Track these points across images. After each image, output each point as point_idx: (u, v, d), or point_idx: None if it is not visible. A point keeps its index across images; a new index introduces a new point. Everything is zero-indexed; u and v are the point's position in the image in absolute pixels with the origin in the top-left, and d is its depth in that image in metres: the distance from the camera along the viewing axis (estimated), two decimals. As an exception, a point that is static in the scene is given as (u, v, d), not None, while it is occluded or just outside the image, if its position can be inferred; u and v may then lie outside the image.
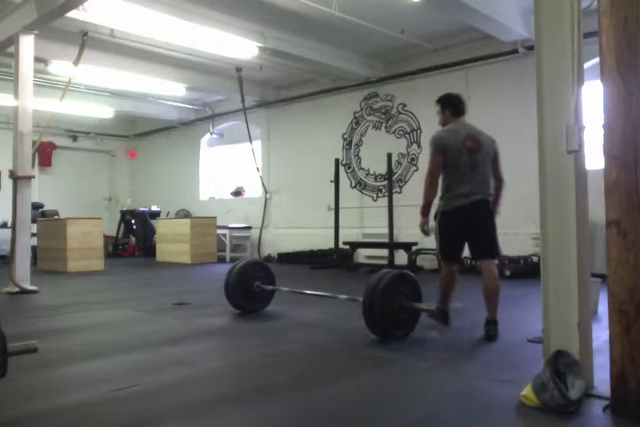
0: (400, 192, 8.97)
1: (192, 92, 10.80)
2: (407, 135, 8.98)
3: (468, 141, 3.81)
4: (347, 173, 9.77)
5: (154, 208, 12.28)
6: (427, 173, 3.85)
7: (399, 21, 7.39)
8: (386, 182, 8.84)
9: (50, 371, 2.83)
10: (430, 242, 8.54)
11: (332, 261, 8.95)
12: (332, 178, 9.14)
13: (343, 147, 9.93)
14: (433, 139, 3.88)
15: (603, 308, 3.12)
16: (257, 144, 11.00)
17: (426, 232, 4.03)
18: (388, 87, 9.25)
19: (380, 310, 3.34)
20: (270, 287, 4.54)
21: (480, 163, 3.84)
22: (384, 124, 9.34)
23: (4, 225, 10.15)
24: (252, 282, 4.46)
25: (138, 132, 14.17)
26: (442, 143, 3.79)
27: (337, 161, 9.25)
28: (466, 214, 3.82)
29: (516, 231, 7.55)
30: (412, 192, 8.86)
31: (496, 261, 3.87)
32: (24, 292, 5.79)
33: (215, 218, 10.57)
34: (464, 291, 5.44)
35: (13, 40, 6.20)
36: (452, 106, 4.08)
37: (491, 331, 3.52)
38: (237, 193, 11.89)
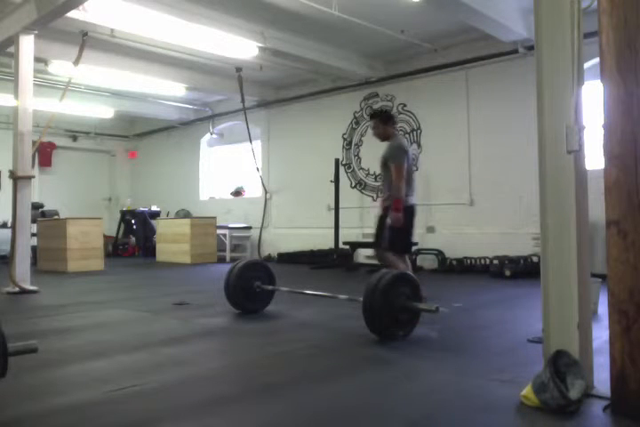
0: (400, 192, 8.96)
1: (192, 92, 10.80)
2: (407, 135, 8.98)
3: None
4: (347, 173, 9.77)
5: (154, 208, 12.27)
6: (399, 176, 4.41)
7: (399, 21, 7.39)
8: (386, 182, 8.83)
9: (50, 371, 2.83)
10: (430, 242, 8.58)
11: (332, 261, 8.95)
12: (332, 178, 9.13)
13: (343, 147, 9.93)
14: (402, 148, 4.46)
15: (603, 308, 3.12)
16: (257, 144, 11.00)
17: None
18: (388, 87, 9.25)
19: (381, 310, 3.33)
20: (270, 287, 4.54)
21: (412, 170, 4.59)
22: (384, 124, 9.34)
23: (4, 225, 10.15)
24: (252, 282, 4.46)
25: (138, 132, 14.17)
26: (408, 152, 4.45)
27: (337, 161, 9.24)
28: (412, 212, 4.48)
29: (516, 231, 7.55)
30: (412, 192, 8.88)
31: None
32: (24, 292, 5.79)
33: (215, 218, 10.57)
34: (464, 291, 5.44)
35: (13, 40, 6.20)
36: (391, 120, 4.55)
37: None
38: (237, 193, 11.88)
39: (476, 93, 8.18)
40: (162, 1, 6.42)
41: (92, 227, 8.75)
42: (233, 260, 10.58)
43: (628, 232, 2.07)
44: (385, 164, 4.53)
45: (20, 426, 2.09)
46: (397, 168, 4.37)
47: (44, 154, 12.69)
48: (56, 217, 9.84)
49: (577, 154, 2.32)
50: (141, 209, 12.07)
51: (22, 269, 5.94)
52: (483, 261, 7.66)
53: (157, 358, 3.10)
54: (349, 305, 4.18)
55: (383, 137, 4.55)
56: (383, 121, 4.48)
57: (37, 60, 7.10)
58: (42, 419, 2.14)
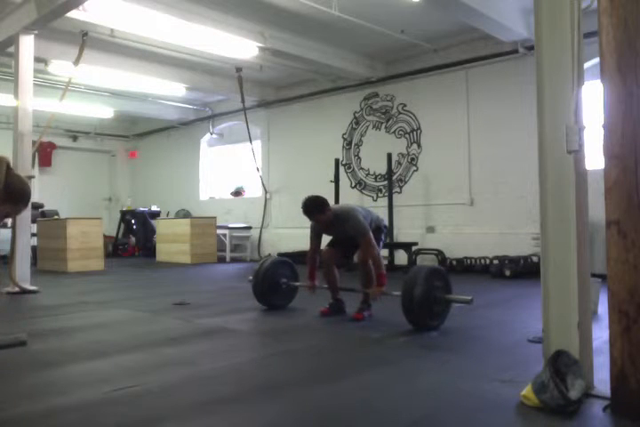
0: (400, 192, 8.98)
1: (192, 92, 10.79)
2: (407, 135, 8.98)
3: None
4: (347, 173, 9.77)
5: (154, 208, 12.28)
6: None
7: (399, 21, 7.39)
8: (386, 182, 8.83)
9: (50, 371, 2.82)
10: (430, 242, 8.58)
11: (332, 261, 8.93)
12: (332, 178, 9.13)
13: (343, 147, 9.93)
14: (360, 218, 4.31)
15: (603, 308, 3.12)
16: (257, 144, 11.00)
17: None
18: (388, 87, 9.25)
19: (420, 301, 3.58)
20: (297, 284, 4.78)
21: None
22: (384, 124, 9.35)
23: (4, 225, 10.13)
24: (279, 279, 4.73)
25: (138, 132, 14.17)
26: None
27: (337, 161, 9.24)
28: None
29: (516, 231, 7.55)
30: (412, 192, 8.87)
31: None
32: (24, 292, 5.79)
33: (215, 218, 10.57)
34: (464, 292, 5.41)
35: (13, 40, 6.20)
36: (325, 205, 4.22)
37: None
38: (237, 193, 11.88)
39: (476, 93, 8.18)
40: (162, 1, 6.42)
41: (92, 227, 8.75)
42: (233, 260, 10.59)
43: (628, 232, 2.07)
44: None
45: (19, 426, 2.09)
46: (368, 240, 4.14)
47: (44, 154, 12.68)
48: (56, 217, 9.84)
49: (577, 154, 2.32)
50: (141, 209, 12.07)
51: (22, 269, 5.94)
52: (483, 261, 7.66)
53: (157, 358, 3.10)
54: (353, 305, 4.17)
55: (330, 221, 4.25)
56: (320, 211, 4.15)
57: (37, 60, 7.10)
58: (42, 419, 2.14)
